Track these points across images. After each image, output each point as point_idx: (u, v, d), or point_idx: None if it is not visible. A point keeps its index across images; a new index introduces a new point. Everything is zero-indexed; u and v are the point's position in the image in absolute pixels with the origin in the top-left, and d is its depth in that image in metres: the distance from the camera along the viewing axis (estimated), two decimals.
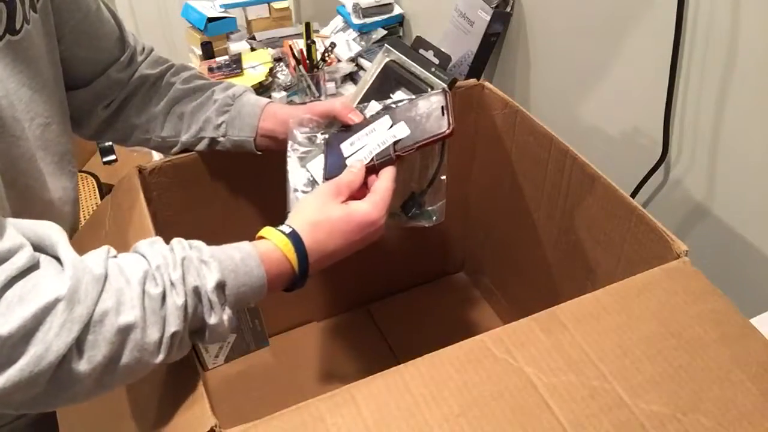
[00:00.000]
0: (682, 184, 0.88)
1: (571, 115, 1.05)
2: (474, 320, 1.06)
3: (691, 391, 0.49)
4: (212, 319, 0.47)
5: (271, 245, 0.53)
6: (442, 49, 0.69)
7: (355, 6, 1.50)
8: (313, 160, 0.66)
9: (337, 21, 1.59)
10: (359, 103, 0.68)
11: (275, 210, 0.89)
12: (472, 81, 0.87)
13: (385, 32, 1.53)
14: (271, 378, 0.97)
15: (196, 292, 0.46)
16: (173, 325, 0.45)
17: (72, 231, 0.69)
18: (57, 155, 0.65)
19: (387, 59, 0.69)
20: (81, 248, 0.70)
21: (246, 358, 1.01)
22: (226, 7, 1.63)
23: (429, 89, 0.67)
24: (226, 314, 0.49)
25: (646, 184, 0.91)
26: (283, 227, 0.55)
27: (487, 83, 0.87)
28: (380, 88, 0.68)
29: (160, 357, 0.45)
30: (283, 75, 1.46)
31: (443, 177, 0.67)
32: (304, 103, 1.39)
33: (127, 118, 0.75)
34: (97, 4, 0.68)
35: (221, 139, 0.73)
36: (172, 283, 0.45)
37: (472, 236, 1.08)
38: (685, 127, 0.84)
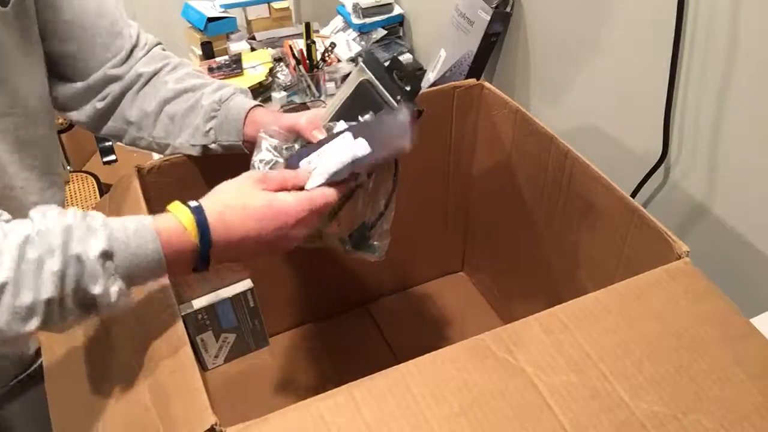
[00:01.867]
0: (682, 184, 0.88)
1: (571, 115, 1.05)
2: (474, 320, 1.06)
3: (692, 392, 0.49)
4: (96, 289, 0.47)
5: (172, 218, 0.52)
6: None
7: (355, 6, 1.50)
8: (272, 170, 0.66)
9: (337, 21, 1.59)
10: (330, 120, 0.67)
11: None
12: (472, 81, 0.87)
13: (385, 32, 1.53)
14: (271, 378, 0.97)
15: (79, 259, 0.46)
16: (47, 291, 0.45)
17: None
18: (17, 145, 0.64)
19: (361, 78, 0.67)
20: None
21: (246, 358, 1.01)
22: (226, 7, 1.63)
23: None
24: (115, 285, 0.47)
25: (646, 184, 0.91)
26: (192, 202, 0.53)
27: (487, 83, 0.87)
28: (351, 108, 0.67)
29: (33, 323, 0.45)
30: (283, 75, 1.46)
31: (392, 213, 0.67)
32: (294, 108, 1.39)
33: (122, 113, 0.75)
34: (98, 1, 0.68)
35: (212, 145, 0.73)
36: (51, 249, 0.45)
37: (472, 236, 1.08)
38: (685, 127, 0.84)
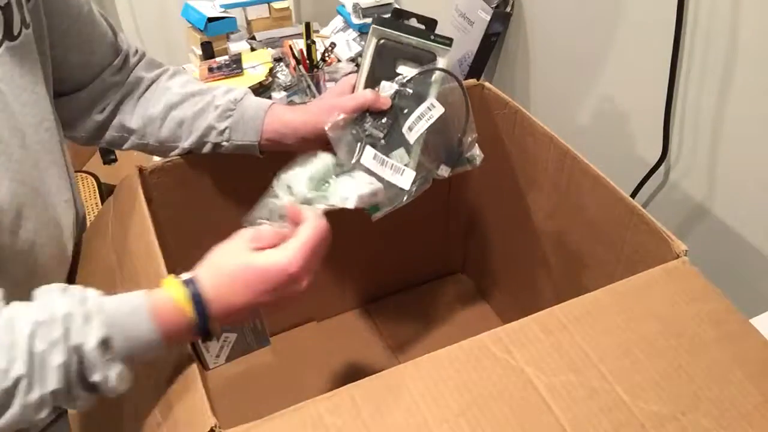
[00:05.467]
0: (682, 184, 0.88)
1: (571, 115, 1.05)
2: (474, 320, 1.06)
3: (691, 391, 0.49)
4: (96, 377, 0.46)
5: (166, 296, 0.50)
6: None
7: (355, 6, 1.50)
8: (363, 155, 0.67)
9: (337, 21, 1.59)
10: (366, 87, 0.69)
11: None
12: (472, 81, 0.87)
13: None
14: (272, 377, 0.98)
15: (78, 350, 0.45)
16: (53, 383, 0.45)
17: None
18: (53, 154, 0.65)
19: (377, 40, 0.68)
20: (88, 253, 0.71)
21: (247, 358, 1.01)
22: (226, 7, 1.63)
23: (430, 55, 0.69)
24: (114, 370, 0.47)
25: (646, 184, 0.91)
26: (185, 275, 0.51)
27: (487, 83, 0.87)
28: (381, 69, 0.68)
29: (45, 412, 0.45)
30: (283, 75, 1.46)
31: (473, 121, 0.70)
32: (303, 103, 1.39)
33: (123, 122, 0.74)
34: (88, 6, 0.68)
35: (225, 143, 0.72)
36: (54, 341, 0.45)
37: (472, 236, 1.08)
38: (685, 127, 0.84)
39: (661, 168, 0.89)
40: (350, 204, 0.61)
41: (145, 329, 0.48)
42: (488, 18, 1.10)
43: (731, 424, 0.48)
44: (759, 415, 0.48)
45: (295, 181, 0.61)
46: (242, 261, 0.51)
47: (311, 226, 0.53)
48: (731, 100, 0.77)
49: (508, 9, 1.10)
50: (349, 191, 0.62)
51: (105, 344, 0.46)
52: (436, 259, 1.11)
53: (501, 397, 0.48)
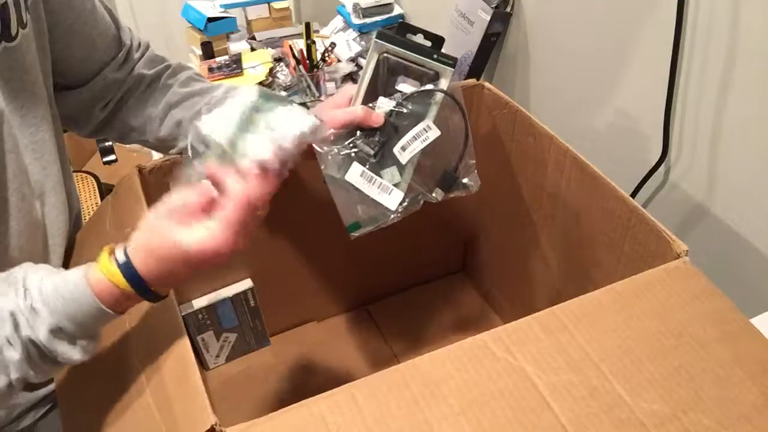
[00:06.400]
0: (682, 184, 0.88)
1: (571, 115, 1.05)
2: (474, 320, 1.06)
3: (692, 391, 0.49)
4: (59, 357, 0.48)
5: (104, 279, 0.49)
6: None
7: (355, 6, 1.50)
8: (349, 171, 0.66)
9: (337, 21, 1.60)
10: (363, 102, 0.68)
11: (275, 208, 0.90)
12: (472, 81, 0.87)
13: None
14: (272, 377, 0.98)
15: (33, 342, 0.47)
16: (16, 373, 0.47)
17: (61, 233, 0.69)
18: (50, 155, 0.65)
19: (379, 54, 0.68)
20: (83, 250, 0.71)
21: (247, 358, 1.01)
22: (226, 7, 1.63)
23: (433, 74, 0.67)
24: (77, 347, 0.49)
25: (646, 184, 0.91)
26: (119, 255, 0.50)
27: (487, 83, 0.87)
28: (380, 84, 0.68)
29: (16, 395, 0.48)
30: (283, 75, 1.46)
31: (472, 145, 0.69)
32: (303, 104, 1.39)
33: (124, 119, 0.74)
34: (92, 2, 0.68)
35: None
36: (7, 340, 0.46)
37: (472, 236, 1.08)
38: (685, 127, 0.84)
39: (661, 168, 0.89)
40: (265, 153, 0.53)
41: (91, 305, 0.49)
42: (488, 18, 1.10)
43: (732, 423, 0.48)
44: (759, 414, 0.48)
45: (214, 132, 0.55)
46: (172, 242, 0.49)
47: (234, 197, 0.50)
48: (731, 100, 0.77)
49: (508, 9, 1.10)
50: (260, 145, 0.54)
51: (55, 332, 0.48)
52: (436, 259, 1.11)
53: (501, 397, 0.48)
